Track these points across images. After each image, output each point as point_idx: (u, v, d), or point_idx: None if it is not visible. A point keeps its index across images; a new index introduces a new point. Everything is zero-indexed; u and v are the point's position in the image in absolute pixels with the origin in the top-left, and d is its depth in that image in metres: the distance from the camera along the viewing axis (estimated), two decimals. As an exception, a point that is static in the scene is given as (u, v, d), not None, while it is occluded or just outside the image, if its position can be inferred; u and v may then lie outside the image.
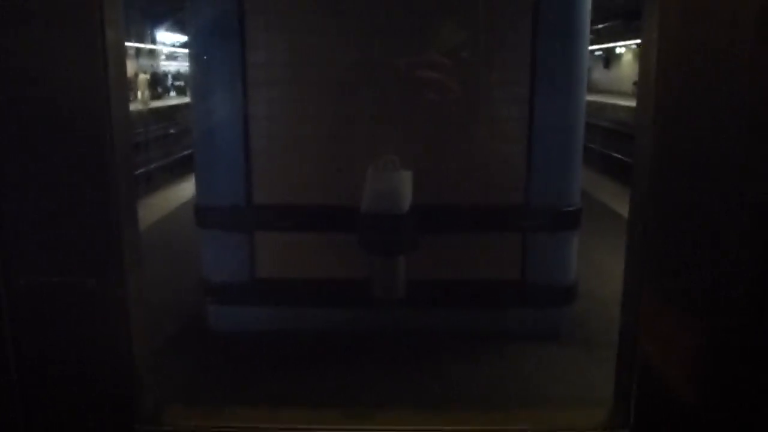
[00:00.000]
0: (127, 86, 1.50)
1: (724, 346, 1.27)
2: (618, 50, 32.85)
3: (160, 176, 10.28)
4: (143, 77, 26.47)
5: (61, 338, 1.35)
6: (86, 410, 1.39)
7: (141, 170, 9.81)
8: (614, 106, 23.69)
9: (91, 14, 1.23)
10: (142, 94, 25.49)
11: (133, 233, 1.36)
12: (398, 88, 3.86)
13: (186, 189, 9.12)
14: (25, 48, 1.24)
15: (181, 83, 32.00)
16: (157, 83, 31.30)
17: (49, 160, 1.27)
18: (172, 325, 4.11)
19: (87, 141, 1.27)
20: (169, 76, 34.34)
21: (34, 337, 1.35)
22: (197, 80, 4.15)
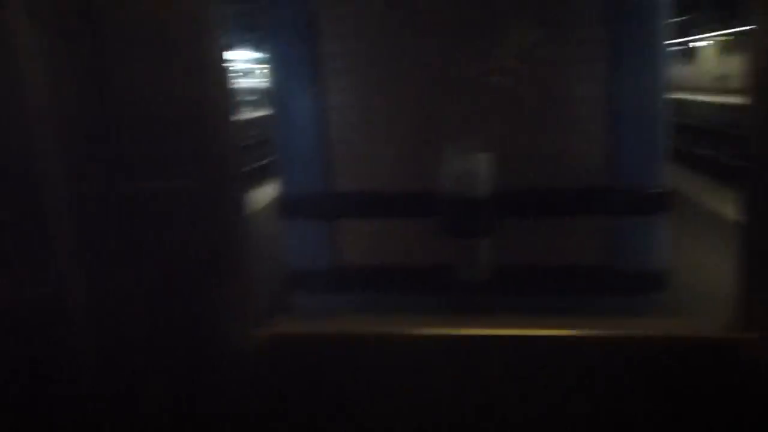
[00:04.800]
0: None
1: None
2: (697, 44, 31.21)
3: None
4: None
5: (172, 240, 1.39)
6: (204, 314, 1.42)
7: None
8: (695, 103, 22.71)
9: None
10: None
11: (233, 145, 1.40)
12: (476, 73, 3.82)
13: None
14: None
15: (254, 98, 32.75)
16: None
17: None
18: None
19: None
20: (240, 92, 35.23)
21: (140, 238, 1.40)
22: (275, 75, 4.22)
